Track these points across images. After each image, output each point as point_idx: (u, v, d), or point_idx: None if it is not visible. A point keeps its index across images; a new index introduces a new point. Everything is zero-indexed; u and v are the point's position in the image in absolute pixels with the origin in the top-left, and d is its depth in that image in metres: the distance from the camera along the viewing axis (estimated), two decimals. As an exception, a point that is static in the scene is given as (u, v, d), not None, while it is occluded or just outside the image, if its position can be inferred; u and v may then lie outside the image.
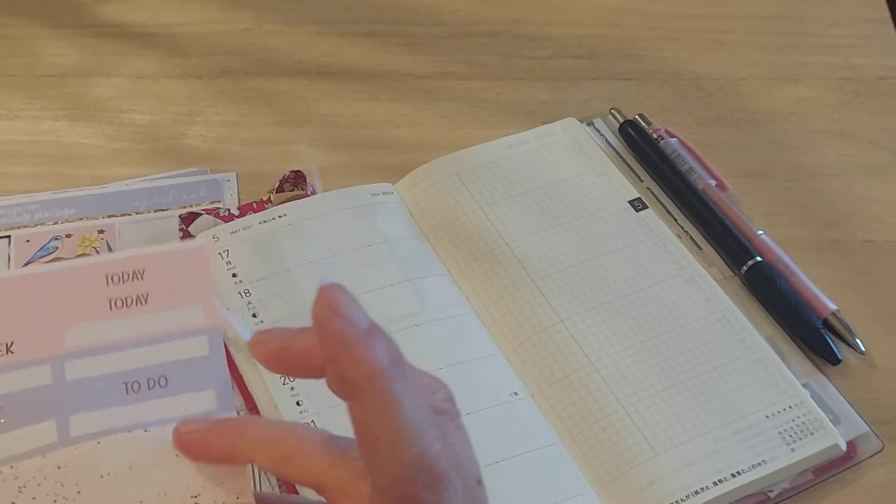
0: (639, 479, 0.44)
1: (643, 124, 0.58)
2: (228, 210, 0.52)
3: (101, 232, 0.53)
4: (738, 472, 0.44)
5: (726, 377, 0.47)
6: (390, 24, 0.66)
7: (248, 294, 0.49)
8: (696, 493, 0.43)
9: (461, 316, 0.50)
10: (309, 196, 0.54)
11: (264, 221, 0.51)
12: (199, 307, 0.34)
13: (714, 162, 0.57)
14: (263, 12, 0.67)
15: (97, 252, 0.52)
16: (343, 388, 0.28)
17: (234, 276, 0.49)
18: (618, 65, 0.63)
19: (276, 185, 0.54)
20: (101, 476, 0.32)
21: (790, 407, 0.46)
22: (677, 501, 0.43)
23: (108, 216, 0.54)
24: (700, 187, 0.55)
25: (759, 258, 0.52)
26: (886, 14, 0.66)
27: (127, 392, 0.33)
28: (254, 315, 0.48)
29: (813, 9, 0.67)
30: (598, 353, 0.48)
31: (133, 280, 0.33)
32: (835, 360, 0.49)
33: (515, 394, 0.47)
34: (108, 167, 0.57)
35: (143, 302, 0.33)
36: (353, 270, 0.50)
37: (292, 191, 0.55)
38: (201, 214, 0.52)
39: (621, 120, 0.58)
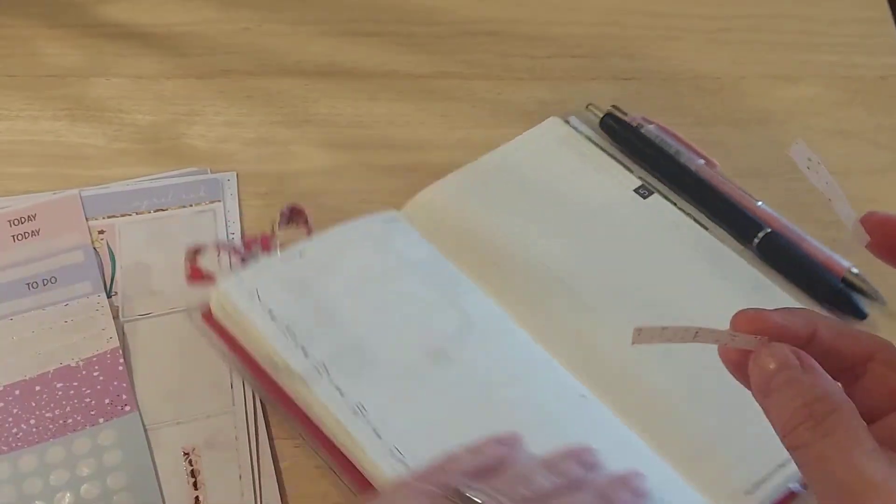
0: (724, 458, 0.44)
1: (621, 115, 0.58)
2: (233, 243, 0.51)
3: (101, 232, 0.53)
4: None
5: None
6: (390, 24, 0.66)
7: (291, 333, 0.46)
8: (781, 466, 0.44)
9: (506, 327, 0.49)
10: (308, 229, 0.52)
11: (285, 261, 0.49)
12: (75, 233, 0.53)
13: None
14: (263, 12, 0.67)
15: (96, 251, 0.52)
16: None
17: (272, 317, 0.46)
18: (618, 64, 0.63)
19: (277, 220, 0.52)
20: (14, 339, 0.49)
21: None
22: (766, 476, 0.43)
23: (109, 216, 0.54)
24: (693, 168, 0.55)
25: (769, 229, 0.52)
26: (887, 13, 0.66)
27: (29, 289, 0.51)
28: (305, 354, 0.46)
29: (814, 8, 0.67)
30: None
31: (28, 220, 0.53)
32: (862, 315, 0.49)
33: (583, 396, 0.46)
34: (109, 167, 0.57)
35: (37, 234, 0.53)
36: (389, 299, 0.49)
37: (288, 225, 0.53)
38: (205, 248, 0.51)
39: (600, 114, 0.58)
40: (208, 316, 0.48)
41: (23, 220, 0.53)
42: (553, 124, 0.58)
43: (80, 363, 0.48)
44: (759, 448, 0.44)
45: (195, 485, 0.45)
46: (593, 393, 0.47)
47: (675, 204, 0.54)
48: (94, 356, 0.48)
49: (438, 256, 0.52)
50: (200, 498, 0.44)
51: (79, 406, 0.46)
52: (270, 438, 0.46)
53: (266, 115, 0.60)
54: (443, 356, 0.47)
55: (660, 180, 0.56)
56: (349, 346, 0.46)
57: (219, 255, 0.51)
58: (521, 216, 0.53)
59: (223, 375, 0.48)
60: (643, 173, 0.56)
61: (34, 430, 0.46)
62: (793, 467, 0.41)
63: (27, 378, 0.48)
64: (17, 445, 0.45)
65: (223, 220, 0.54)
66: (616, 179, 0.55)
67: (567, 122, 0.59)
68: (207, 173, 0.57)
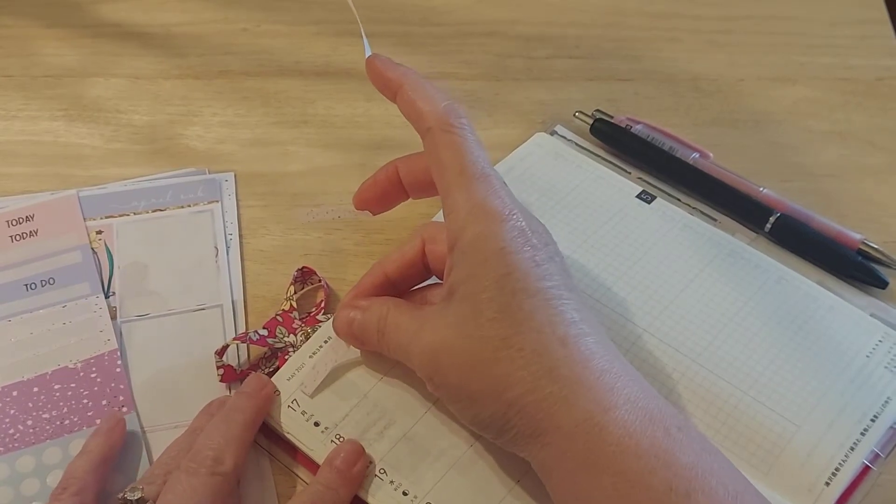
0: (795, 455, 0.43)
1: (608, 118, 0.58)
2: (256, 332, 0.48)
3: (99, 233, 0.53)
4: (875, 417, 0.44)
5: (814, 332, 0.47)
6: (388, 25, 0.66)
7: (339, 439, 0.44)
8: (852, 448, 0.44)
9: None
10: (323, 285, 0.51)
11: (314, 353, 0.47)
12: (73, 233, 0.53)
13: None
14: (261, 12, 0.67)
15: (94, 252, 0.52)
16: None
17: (316, 424, 0.45)
18: (615, 65, 0.63)
19: (292, 290, 0.51)
20: (12, 341, 0.49)
21: (880, 341, 0.47)
22: (840, 463, 0.43)
23: (107, 216, 0.54)
24: (690, 162, 0.55)
25: (778, 213, 0.52)
26: (885, 14, 0.66)
27: (27, 290, 0.51)
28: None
29: (811, 9, 0.67)
30: (694, 349, 0.47)
31: (26, 221, 0.53)
32: (883, 284, 0.50)
33: None
34: (106, 167, 0.57)
35: (35, 235, 0.53)
36: None
37: (303, 288, 0.51)
38: (230, 345, 0.48)
39: (588, 121, 0.58)
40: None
41: (21, 220, 0.53)
42: (541, 139, 0.57)
43: (79, 365, 0.48)
44: (829, 437, 0.44)
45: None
46: None
47: (679, 200, 0.55)
48: (92, 358, 0.48)
49: None
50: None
51: (76, 407, 0.46)
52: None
53: (264, 116, 0.60)
54: None
55: (660, 179, 0.56)
56: (404, 435, 0.44)
57: (248, 347, 0.49)
58: None
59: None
60: (642, 175, 0.56)
61: (31, 430, 0.46)
62: (863, 446, 0.43)
63: (25, 379, 0.48)
64: (14, 446, 0.45)
65: (221, 221, 0.54)
66: (616, 188, 0.54)
67: (554, 132, 0.58)
68: (206, 173, 0.57)
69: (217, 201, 0.55)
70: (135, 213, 0.54)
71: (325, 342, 0.47)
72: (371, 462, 0.43)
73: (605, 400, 0.36)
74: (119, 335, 0.49)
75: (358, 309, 0.44)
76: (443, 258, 0.43)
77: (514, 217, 0.40)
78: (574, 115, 0.59)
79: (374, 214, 0.50)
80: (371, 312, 0.43)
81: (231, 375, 0.47)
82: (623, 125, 0.57)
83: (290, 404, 0.45)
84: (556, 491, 0.38)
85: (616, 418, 0.36)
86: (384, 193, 0.48)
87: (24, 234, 0.53)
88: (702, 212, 0.54)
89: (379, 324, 0.43)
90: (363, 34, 0.46)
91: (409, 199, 0.49)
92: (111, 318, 0.50)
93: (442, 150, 0.41)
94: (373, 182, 0.48)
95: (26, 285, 0.51)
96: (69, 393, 0.47)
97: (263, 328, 0.49)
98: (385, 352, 0.43)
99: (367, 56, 0.45)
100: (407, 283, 0.46)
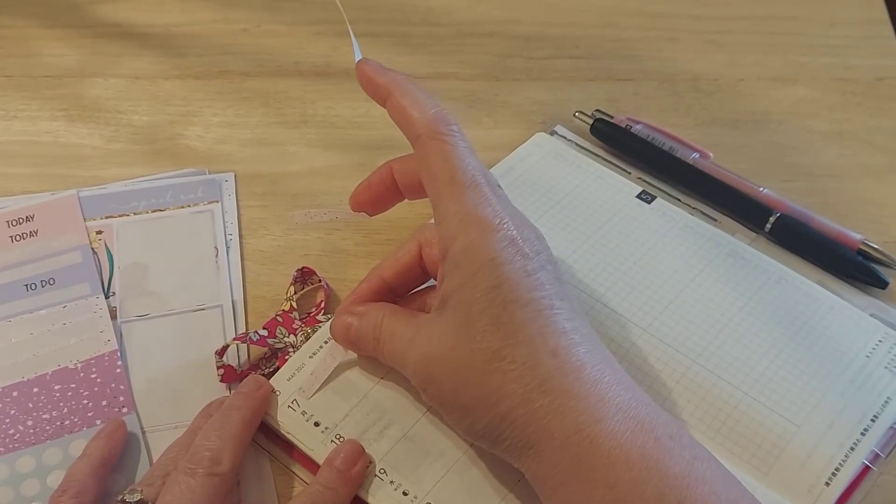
0: (795, 455, 0.43)
1: (609, 118, 0.58)
2: (256, 332, 0.48)
3: (99, 233, 0.53)
4: (875, 417, 0.44)
5: (814, 332, 0.48)
6: (388, 25, 0.66)
7: (339, 439, 0.44)
8: (853, 448, 0.44)
9: None
10: (323, 285, 0.51)
11: (314, 354, 0.47)
12: (73, 234, 0.53)
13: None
14: (261, 13, 0.67)
15: (94, 252, 0.52)
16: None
17: (316, 424, 0.44)
18: (615, 65, 0.63)
19: (292, 291, 0.51)
20: (12, 341, 0.49)
21: (880, 341, 0.47)
22: (840, 464, 0.43)
23: (107, 217, 0.54)
24: (690, 162, 0.56)
25: (778, 213, 0.52)
26: (885, 14, 0.66)
27: (27, 290, 0.51)
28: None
29: (811, 9, 0.67)
30: (694, 349, 0.47)
31: (27, 221, 0.53)
32: (883, 285, 0.50)
33: None
34: (106, 167, 0.57)
35: (35, 235, 0.53)
36: None
37: (303, 289, 0.51)
38: (230, 345, 0.48)
39: (589, 121, 0.58)
40: None
41: (21, 220, 0.54)
42: (541, 140, 0.57)
43: (79, 365, 0.48)
44: (829, 437, 0.44)
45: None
46: None
47: (679, 200, 0.55)
48: (92, 358, 0.48)
49: None
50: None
51: (76, 408, 0.46)
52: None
53: (264, 116, 0.60)
54: None
55: (660, 179, 0.56)
56: (404, 434, 0.44)
57: (248, 347, 0.49)
58: None
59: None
60: (642, 175, 0.56)
61: (31, 431, 0.46)
62: (863, 446, 0.43)
63: (25, 379, 0.48)
64: (14, 447, 0.45)
65: (221, 221, 0.54)
66: (616, 188, 0.54)
67: (554, 132, 0.58)
68: (205, 174, 0.57)
69: (217, 201, 0.55)
70: (135, 214, 0.54)
71: (325, 343, 0.47)
72: (371, 462, 0.43)
73: (596, 411, 0.36)
74: (119, 335, 0.49)
75: (355, 315, 0.44)
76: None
77: (505, 226, 0.39)
78: (574, 115, 0.59)
79: (371, 216, 0.49)
80: (367, 319, 0.43)
81: (231, 376, 0.47)
82: (623, 125, 0.57)
83: (290, 404, 0.45)
84: (549, 502, 0.38)
85: (607, 429, 0.36)
86: (379, 195, 0.48)
87: (24, 235, 0.53)
88: (702, 212, 0.54)
89: (375, 331, 0.43)
90: (353, 37, 0.46)
91: (407, 200, 0.49)
92: (111, 319, 0.50)
93: (432, 159, 0.41)
94: (367, 184, 0.48)
95: (26, 285, 0.51)
96: (69, 393, 0.47)
97: (263, 328, 0.49)
98: (381, 358, 0.43)
99: (356, 60, 0.45)
100: (405, 287, 0.46)
